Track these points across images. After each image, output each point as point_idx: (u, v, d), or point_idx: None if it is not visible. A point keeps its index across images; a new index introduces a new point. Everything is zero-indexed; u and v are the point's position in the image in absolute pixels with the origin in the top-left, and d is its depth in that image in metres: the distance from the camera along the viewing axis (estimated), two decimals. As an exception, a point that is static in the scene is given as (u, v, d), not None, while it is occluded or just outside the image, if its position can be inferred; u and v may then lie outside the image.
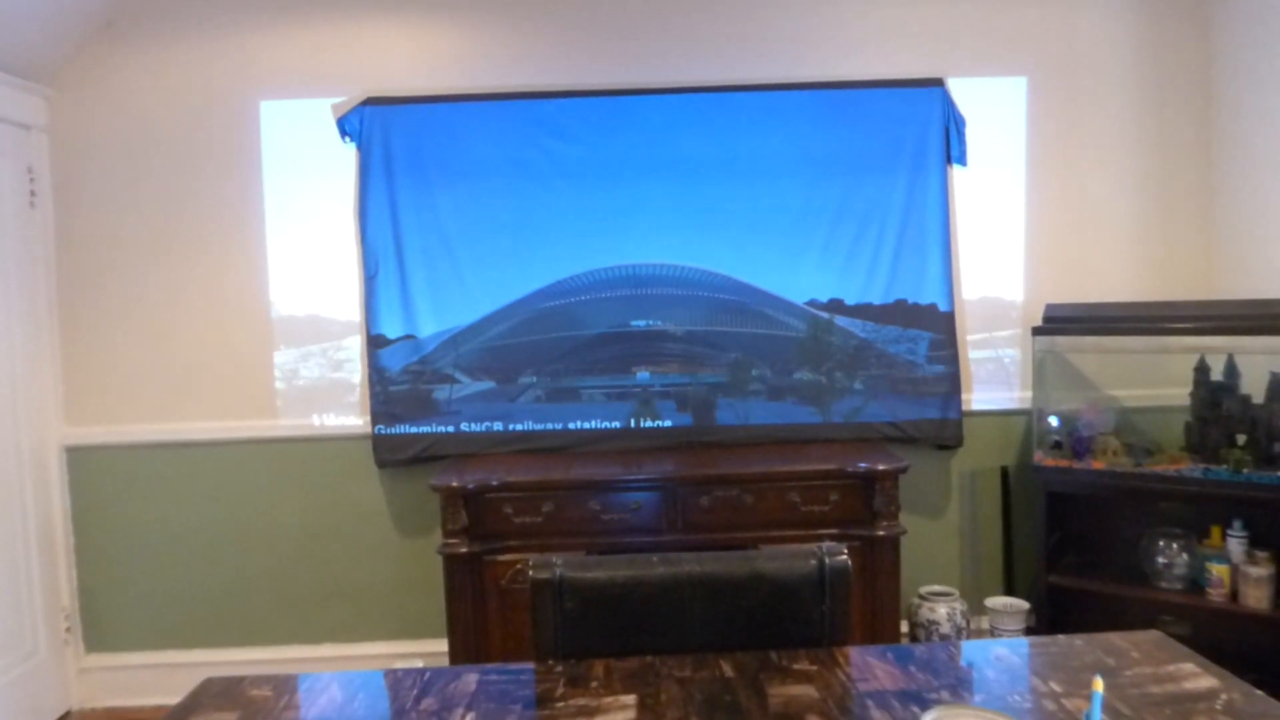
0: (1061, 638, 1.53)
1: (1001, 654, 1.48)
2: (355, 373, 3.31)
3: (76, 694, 3.29)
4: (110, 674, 3.31)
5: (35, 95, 3.14)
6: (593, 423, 3.27)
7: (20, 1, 2.81)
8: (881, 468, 2.87)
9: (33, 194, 3.15)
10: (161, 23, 3.21)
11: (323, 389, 3.32)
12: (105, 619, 3.32)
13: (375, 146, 3.22)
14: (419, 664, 3.26)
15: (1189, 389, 3.02)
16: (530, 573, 1.50)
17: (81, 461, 3.29)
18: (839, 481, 2.90)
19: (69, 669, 3.27)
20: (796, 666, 1.44)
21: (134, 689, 3.30)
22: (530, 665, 1.47)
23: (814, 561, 1.53)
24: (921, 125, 3.26)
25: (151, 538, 3.31)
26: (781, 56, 3.27)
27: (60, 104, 3.22)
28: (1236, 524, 2.87)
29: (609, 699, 1.34)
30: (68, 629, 3.26)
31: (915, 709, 1.28)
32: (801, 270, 3.27)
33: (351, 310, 3.30)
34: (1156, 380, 3.20)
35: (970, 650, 1.52)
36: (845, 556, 1.53)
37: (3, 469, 3.00)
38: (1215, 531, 2.93)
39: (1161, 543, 2.99)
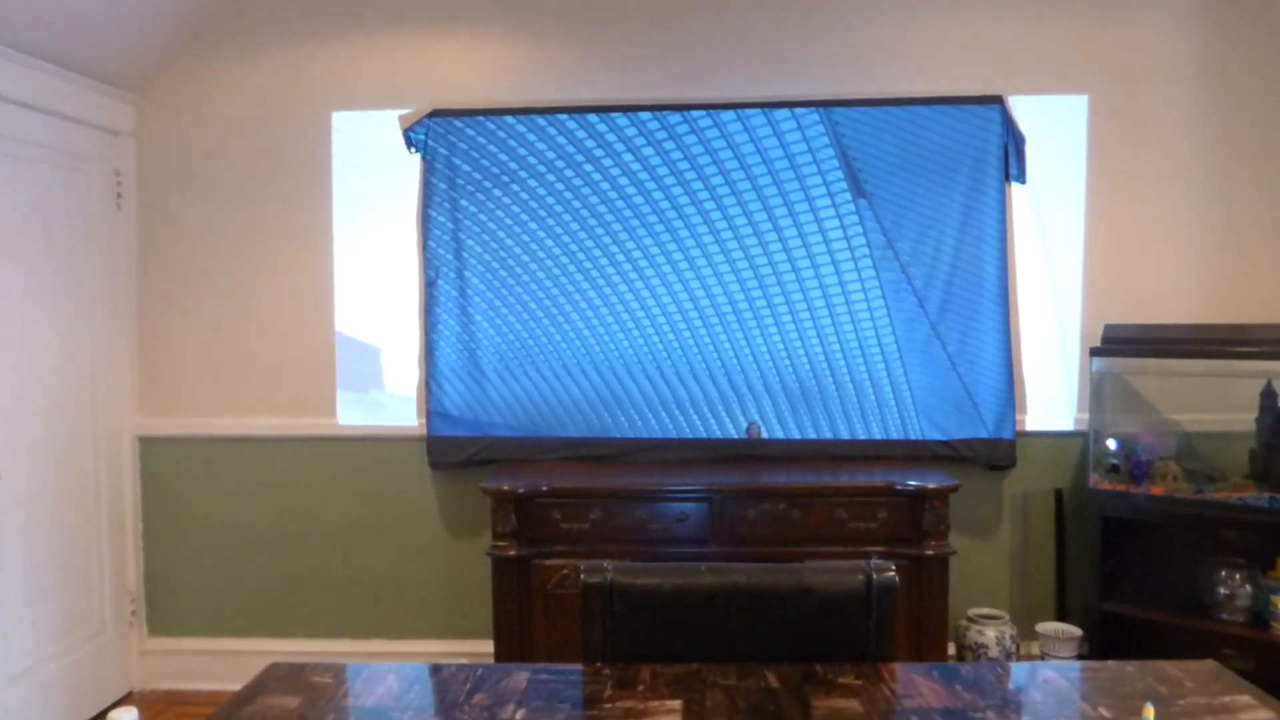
0: (1112, 663, 1.51)
1: (1050, 677, 1.47)
2: (413, 375, 3.40)
3: (138, 675, 3.42)
4: (170, 657, 3.44)
5: (125, 103, 3.30)
6: (642, 432, 3.30)
7: (113, 14, 2.96)
8: (932, 486, 2.84)
9: (119, 196, 3.31)
10: (243, 36, 3.35)
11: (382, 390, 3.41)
12: (168, 604, 3.45)
13: (439, 157, 3.31)
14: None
15: (1254, 415, 2.94)
16: (581, 576, 1.53)
17: (152, 451, 3.42)
18: (888, 499, 2.88)
19: (132, 650, 3.40)
20: (841, 680, 1.45)
21: (192, 673, 3.42)
22: (579, 666, 1.51)
23: (861, 577, 1.53)
24: (980, 142, 3.23)
25: (214, 527, 3.43)
26: (840, 72, 3.28)
27: (147, 111, 3.37)
28: (1303, 557, 2.79)
29: (655, 703, 1.37)
30: (133, 612, 3.40)
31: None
32: (853, 285, 3.26)
33: (411, 314, 3.39)
34: (1220, 405, 3.12)
35: (1017, 672, 1.51)
36: (893, 573, 1.53)
37: (80, 455, 3.14)
38: (1280, 563, 2.85)
39: (1223, 573, 2.90)
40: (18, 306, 2.85)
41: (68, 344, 3.07)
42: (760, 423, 3.24)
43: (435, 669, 1.50)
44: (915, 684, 1.43)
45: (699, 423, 3.29)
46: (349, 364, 3.40)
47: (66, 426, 3.07)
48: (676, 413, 3.30)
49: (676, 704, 1.37)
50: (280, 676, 1.45)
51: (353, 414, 3.39)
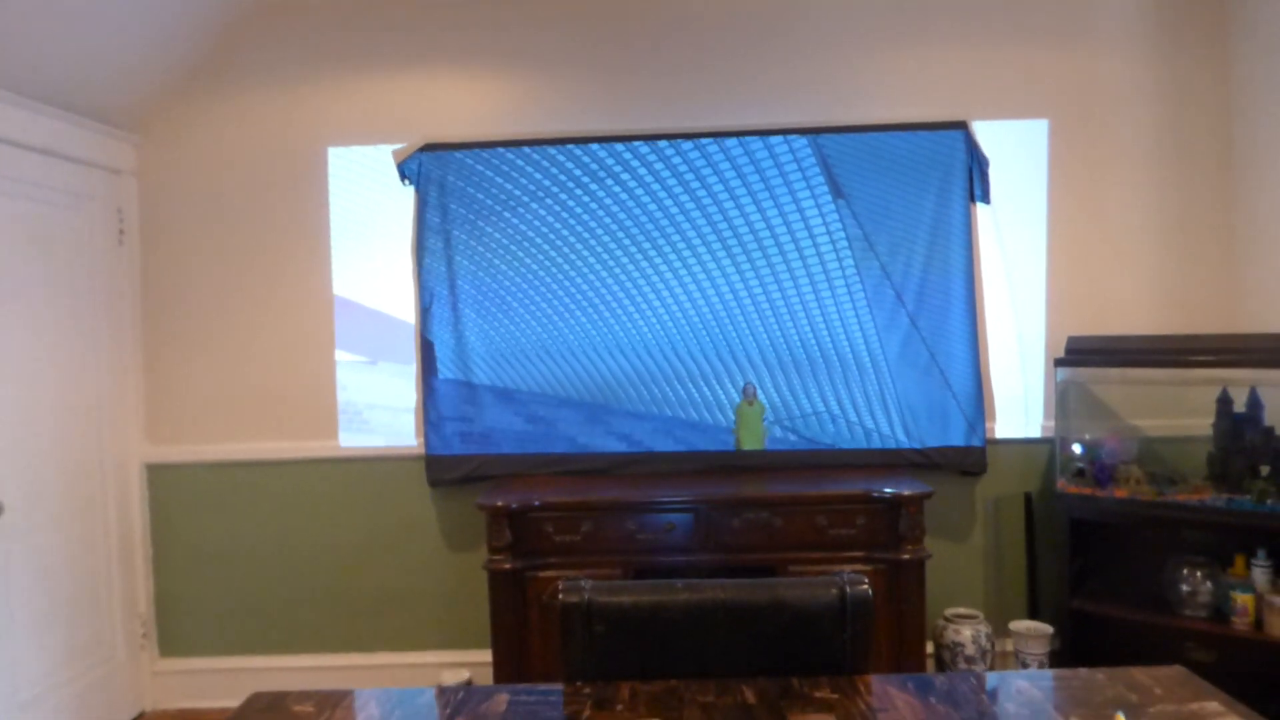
0: (1084, 671, 1.44)
1: (1023, 687, 1.40)
2: (410, 397, 3.32)
3: (150, 695, 3.32)
4: (181, 677, 3.34)
5: (125, 143, 3.24)
6: (630, 446, 3.23)
7: (112, 57, 2.91)
8: (907, 493, 2.78)
9: (121, 233, 3.24)
10: (239, 76, 3.29)
11: (380, 412, 3.34)
12: (178, 625, 3.35)
13: (431, 189, 3.25)
14: (465, 673, 3.24)
15: (1211, 420, 2.88)
16: (559, 597, 1.46)
17: (160, 478, 3.34)
18: (865, 506, 2.82)
19: (144, 671, 3.30)
20: (818, 694, 1.38)
21: (203, 692, 3.32)
22: (559, 686, 1.43)
23: (835, 590, 1.47)
24: (946, 165, 3.19)
25: (222, 550, 3.34)
26: (819, 100, 3.24)
27: (147, 150, 3.31)
28: (1261, 554, 2.72)
29: (633, 723, 1.30)
30: (143, 634, 3.30)
31: (935, 742, 1.21)
32: (831, 301, 3.21)
33: (407, 339, 3.32)
34: (1178, 411, 3.06)
35: (991, 682, 1.44)
36: (866, 586, 1.46)
37: (89, 484, 3.05)
38: (1239, 560, 2.78)
39: (1185, 570, 2.84)
40: (24, 342, 2.77)
41: (74, 377, 2.99)
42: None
43: (416, 694, 1.42)
44: (891, 696, 1.36)
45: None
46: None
47: (74, 458, 2.98)
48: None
49: (655, 723, 1.29)
50: (262, 706, 1.37)
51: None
